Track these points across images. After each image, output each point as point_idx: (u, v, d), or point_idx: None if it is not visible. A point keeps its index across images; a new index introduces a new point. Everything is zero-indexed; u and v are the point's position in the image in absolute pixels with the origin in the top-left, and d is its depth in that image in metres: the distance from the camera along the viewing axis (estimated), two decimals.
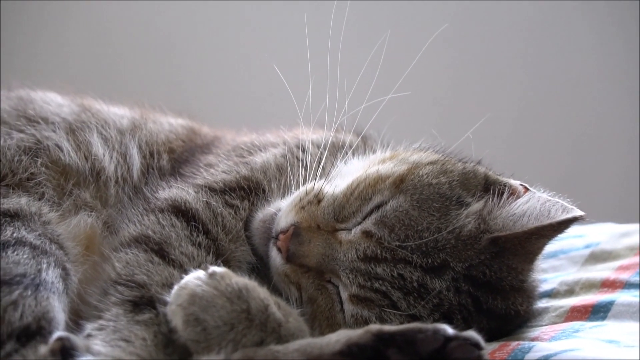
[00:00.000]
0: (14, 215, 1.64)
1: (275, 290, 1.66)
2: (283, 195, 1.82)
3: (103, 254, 1.67)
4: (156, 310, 1.51)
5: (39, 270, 1.52)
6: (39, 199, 1.75)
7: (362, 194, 1.69)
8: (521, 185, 1.72)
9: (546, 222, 1.60)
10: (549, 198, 1.64)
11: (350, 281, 1.61)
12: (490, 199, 1.69)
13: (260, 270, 1.75)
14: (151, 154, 1.98)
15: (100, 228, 1.79)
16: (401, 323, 1.53)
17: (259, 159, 1.91)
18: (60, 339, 1.41)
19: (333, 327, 1.60)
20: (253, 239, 1.77)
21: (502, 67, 4.39)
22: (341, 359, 1.36)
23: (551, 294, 1.94)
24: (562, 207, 1.60)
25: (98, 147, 1.92)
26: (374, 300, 1.59)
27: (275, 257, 1.70)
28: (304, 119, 1.90)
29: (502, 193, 1.69)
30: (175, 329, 1.44)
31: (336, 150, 1.92)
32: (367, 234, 1.63)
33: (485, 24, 4.37)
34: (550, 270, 2.12)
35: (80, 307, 1.58)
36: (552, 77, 4.38)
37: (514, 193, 1.70)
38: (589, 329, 1.66)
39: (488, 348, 1.56)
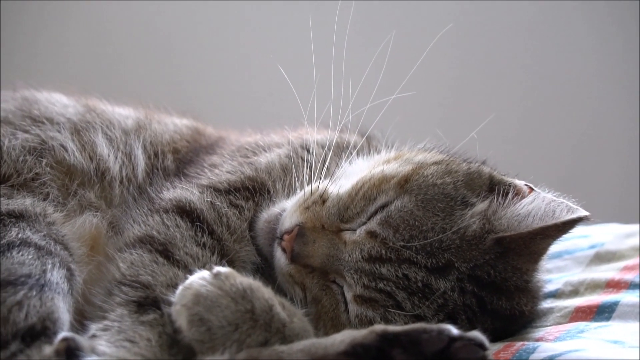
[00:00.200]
0: (18, 216, 1.64)
1: (279, 290, 1.66)
2: (287, 196, 1.82)
3: (108, 254, 1.67)
4: (161, 310, 1.51)
5: (44, 271, 1.52)
6: (44, 200, 1.75)
7: (367, 194, 1.69)
8: (526, 185, 1.72)
9: (551, 222, 1.60)
10: (554, 198, 1.64)
11: (354, 281, 1.61)
12: (495, 199, 1.68)
13: (264, 270, 1.76)
14: (156, 154, 1.98)
15: (106, 228, 1.79)
16: (406, 323, 1.53)
17: (263, 159, 1.91)
18: (65, 339, 1.41)
19: (337, 328, 1.60)
20: (257, 239, 1.77)
21: (506, 67, 4.39)
22: (346, 359, 1.36)
23: (556, 295, 1.94)
24: (567, 208, 1.60)
25: (103, 147, 1.92)
26: (379, 301, 1.59)
27: (280, 258, 1.70)
28: (309, 119, 1.90)
29: (507, 193, 1.69)
30: (180, 329, 1.44)
31: (341, 151, 1.92)
32: (371, 234, 1.63)
33: (489, 24, 4.37)
34: (555, 271, 2.12)
35: (84, 307, 1.58)
36: (557, 78, 4.38)
37: (518, 193, 1.69)
38: (594, 330, 1.66)
39: (492, 348, 1.56)
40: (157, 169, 1.95)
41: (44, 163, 1.82)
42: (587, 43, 4.32)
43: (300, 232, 1.67)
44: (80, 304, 1.59)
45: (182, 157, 2.01)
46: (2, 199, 1.68)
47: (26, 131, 1.88)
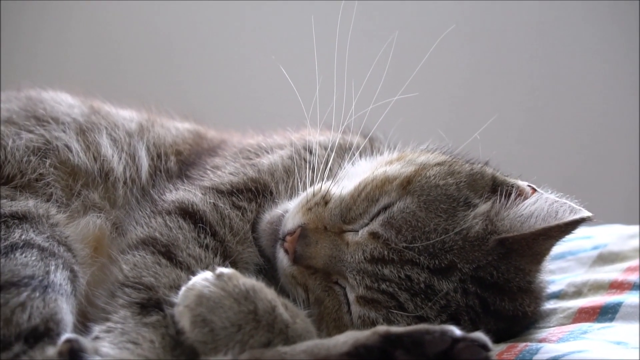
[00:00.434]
0: (22, 218, 1.64)
1: (282, 291, 1.66)
2: (290, 197, 1.82)
3: (111, 256, 1.67)
4: (164, 312, 1.51)
5: (47, 272, 1.53)
6: (47, 200, 1.76)
7: (369, 196, 1.69)
8: (529, 186, 1.72)
9: (554, 223, 1.59)
10: (557, 199, 1.63)
11: (357, 282, 1.61)
12: (498, 200, 1.68)
13: (267, 271, 1.76)
14: (159, 156, 1.98)
15: (109, 229, 1.79)
16: (408, 324, 1.53)
17: (266, 160, 1.91)
18: (68, 340, 1.41)
19: (340, 329, 1.60)
20: (260, 240, 1.77)
21: (509, 68, 4.38)
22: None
23: (559, 296, 1.94)
24: (570, 208, 1.60)
25: (107, 148, 1.92)
26: (381, 302, 1.59)
27: (283, 259, 1.70)
28: (311, 120, 1.90)
29: (510, 194, 1.69)
30: (183, 330, 1.45)
31: (343, 152, 1.92)
32: (374, 235, 1.63)
33: (492, 25, 4.36)
34: (558, 272, 2.11)
35: (88, 309, 1.58)
36: (560, 79, 4.37)
37: (521, 194, 1.69)
38: (597, 331, 1.66)
39: (496, 349, 1.56)
40: (160, 171, 1.95)
41: (47, 163, 1.82)
42: (591, 44, 4.32)
43: (302, 233, 1.67)
44: (84, 306, 1.59)
45: (184, 159, 2.01)
46: (5, 200, 1.68)
47: (30, 131, 1.88)
